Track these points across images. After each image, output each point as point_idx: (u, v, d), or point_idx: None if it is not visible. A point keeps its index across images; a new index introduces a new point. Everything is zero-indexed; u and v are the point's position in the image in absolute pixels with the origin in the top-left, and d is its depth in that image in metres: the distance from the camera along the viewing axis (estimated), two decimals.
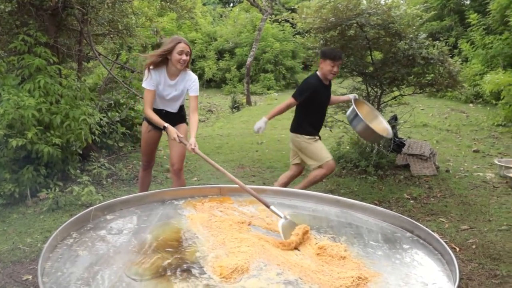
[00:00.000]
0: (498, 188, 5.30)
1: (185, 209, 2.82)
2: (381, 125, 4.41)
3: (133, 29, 6.79)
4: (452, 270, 2.03)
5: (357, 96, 4.52)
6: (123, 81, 6.40)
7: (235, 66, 16.63)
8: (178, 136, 3.62)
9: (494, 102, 9.70)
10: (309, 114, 4.33)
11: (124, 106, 6.57)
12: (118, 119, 6.30)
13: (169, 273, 1.99)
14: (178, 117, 3.98)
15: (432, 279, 2.01)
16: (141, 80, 6.82)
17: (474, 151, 6.93)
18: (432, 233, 2.40)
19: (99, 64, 7.62)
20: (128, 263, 2.07)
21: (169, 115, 3.88)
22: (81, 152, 5.31)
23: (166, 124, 3.71)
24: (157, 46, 8.45)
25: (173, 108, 3.95)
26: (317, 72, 4.31)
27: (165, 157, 6.42)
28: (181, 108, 4.03)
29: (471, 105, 10.67)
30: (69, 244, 2.25)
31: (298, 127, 4.39)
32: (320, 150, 4.30)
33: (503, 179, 5.59)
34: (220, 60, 16.99)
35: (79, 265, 2.04)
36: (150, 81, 3.75)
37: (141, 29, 7.43)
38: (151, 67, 3.75)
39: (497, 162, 5.86)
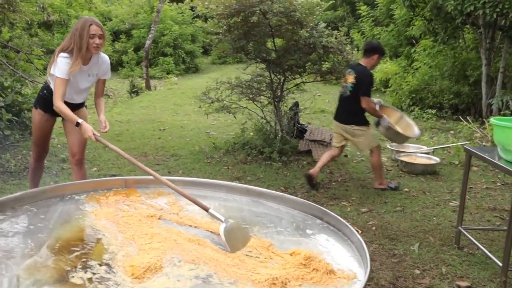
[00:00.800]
0: (391, 171, 5.70)
1: (88, 204, 2.58)
2: (408, 125, 5.12)
3: (16, 3, 6.10)
4: (362, 256, 2.09)
5: (382, 102, 5.07)
6: (7, 62, 5.75)
7: (132, 49, 15.92)
8: (94, 134, 3.28)
9: (383, 89, 10.43)
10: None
11: (10, 90, 5.91)
12: (2, 104, 5.65)
13: (74, 278, 1.79)
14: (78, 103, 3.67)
15: (345, 265, 2.04)
16: (28, 61, 6.23)
17: None
18: (341, 219, 2.46)
19: None
20: (25, 269, 1.83)
21: (74, 105, 3.55)
22: None
23: (80, 120, 3.35)
24: (44, 24, 7.76)
25: (82, 98, 3.66)
26: (363, 65, 4.72)
27: (59, 145, 5.93)
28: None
29: None
30: None
31: (357, 119, 4.81)
32: (372, 136, 4.96)
33: (395, 162, 6.03)
34: (116, 42, 16.16)
35: None
36: (64, 68, 3.33)
37: (25, 4, 6.71)
38: (62, 53, 3.36)
39: (389, 147, 6.29)
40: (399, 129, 4.94)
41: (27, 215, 2.38)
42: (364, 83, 4.66)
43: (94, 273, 1.82)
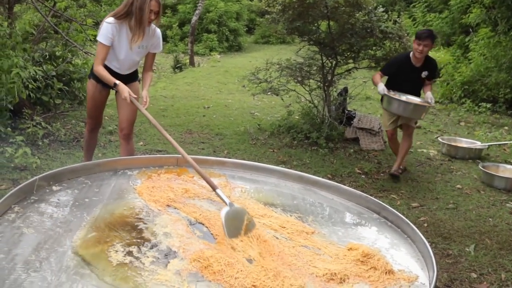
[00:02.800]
0: (442, 165, 5.48)
1: (140, 180, 2.57)
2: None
3: None
4: (426, 257, 1.96)
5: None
6: (63, 31, 5.82)
7: (177, 24, 15.95)
8: (130, 95, 3.30)
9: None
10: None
11: (61, 60, 5.98)
12: (54, 73, 5.72)
13: (126, 251, 1.79)
14: (131, 76, 3.65)
15: (405, 265, 1.94)
16: (82, 32, 6.25)
17: (417, 127, 7.14)
18: (402, 216, 2.34)
19: (29, 9, 6.86)
20: (81, 243, 1.83)
21: (122, 76, 3.52)
22: (12, 108, 4.78)
23: (117, 82, 3.35)
24: None
25: (131, 69, 3.61)
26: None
27: (106, 117, 5.97)
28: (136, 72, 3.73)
29: None
30: (11, 219, 1.95)
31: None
32: (386, 116, 4.93)
33: (445, 156, 5.80)
34: (162, 16, 16.27)
35: (24, 246, 1.76)
36: (107, 34, 3.33)
37: None
38: (109, 18, 3.34)
39: (440, 140, 6.06)
40: (399, 96, 4.66)
41: (82, 188, 2.39)
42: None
43: (144, 248, 1.82)
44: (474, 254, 3.44)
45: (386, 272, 1.86)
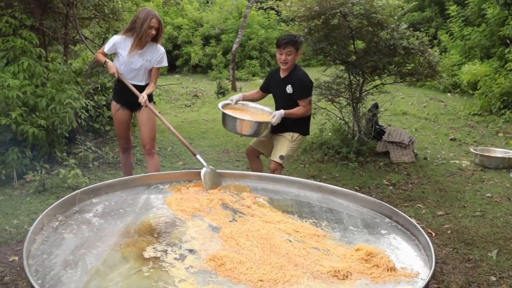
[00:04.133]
0: (473, 175, 5.51)
1: (170, 193, 2.88)
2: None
3: (119, 13, 6.79)
4: (428, 255, 2.13)
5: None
6: None
7: (221, 52, 16.60)
8: (117, 71, 3.90)
9: (471, 92, 9.96)
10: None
11: (111, 90, 6.58)
12: (104, 103, 6.33)
13: (154, 256, 2.06)
14: (142, 89, 4.08)
15: (409, 264, 2.11)
16: None
17: (451, 139, 7.15)
18: (410, 219, 2.51)
19: (86, 48, 7.59)
20: (113, 246, 2.13)
21: (136, 89, 3.99)
22: (67, 135, 5.36)
23: (107, 59, 3.98)
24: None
25: (140, 80, 4.07)
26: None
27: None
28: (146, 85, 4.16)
29: (449, 94, 10.92)
30: (55, 226, 2.31)
31: None
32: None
33: (478, 166, 5.82)
34: (206, 46, 16.93)
35: (64, 248, 2.09)
36: (110, 43, 4.01)
37: (127, 13, 7.41)
38: (119, 34, 4.03)
39: (472, 151, 6.08)
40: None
41: (117, 200, 2.73)
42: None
43: (172, 254, 2.09)
44: (496, 258, 3.48)
45: (388, 269, 2.04)
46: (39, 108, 4.82)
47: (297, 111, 3.91)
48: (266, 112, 3.94)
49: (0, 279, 3.12)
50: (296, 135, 4.02)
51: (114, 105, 4.14)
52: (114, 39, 3.99)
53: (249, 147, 4.30)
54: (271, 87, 4.13)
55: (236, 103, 3.98)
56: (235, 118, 3.66)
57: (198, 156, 3.21)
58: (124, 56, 3.95)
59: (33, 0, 5.41)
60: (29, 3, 5.37)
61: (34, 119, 4.74)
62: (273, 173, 3.88)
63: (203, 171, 3.00)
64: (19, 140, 4.75)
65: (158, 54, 4.02)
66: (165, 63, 4.12)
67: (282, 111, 3.79)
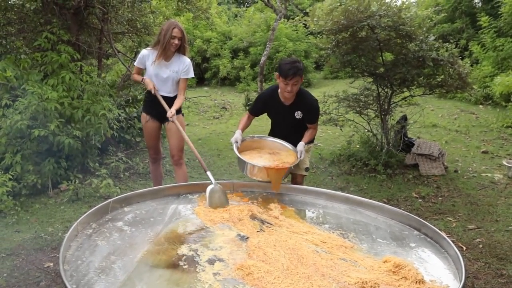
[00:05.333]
0: (506, 189, 5.39)
1: (199, 203, 2.95)
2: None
3: (151, 27, 6.99)
4: (458, 269, 2.13)
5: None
6: (141, 79, 6.59)
7: (249, 65, 16.76)
8: (154, 88, 4.01)
9: (504, 104, 9.73)
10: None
11: (141, 102, 6.76)
12: (135, 114, 6.51)
13: (183, 264, 2.13)
14: (170, 100, 4.16)
15: (438, 276, 2.11)
16: None
17: (483, 152, 7.00)
18: (439, 231, 2.49)
19: (118, 61, 7.83)
20: (143, 254, 2.21)
21: (165, 100, 4.08)
22: (100, 146, 5.52)
23: (144, 77, 4.09)
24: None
25: (168, 91, 4.15)
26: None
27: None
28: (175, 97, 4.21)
29: (481, 106, 10.68)
30: (89, 234, 2.41)
31: None
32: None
33: (511, 180, 5.68)
34: (235, 59, 17.13)
35: (97, 255, 2.19)
36: (139, 60, 4.15)
37: (158, 28, 7.60)
38: (147, 48, 4.15)
39: (505, 163, 5.94)
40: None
41: (148, 209, 2.82)
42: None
43: (200, 262, 2.15)
44: None
45: (416, 282, 2.04)
46: (75, 119, 5.00)
47: (312, 135, 3.77)
48: (287, 148, 3.58)
49: (36, 284, 3.24)
50: (309, 145, 3.84)
51: (144, 116, 4.26)
52: (142, 53, 4.12)
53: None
54: (271, 114, 3.85)
55: (242, 141, 3.51)
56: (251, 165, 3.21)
57: (208, 173, 3.24)
58: (151, 68, 4.07)
59: (70, 17, 5.63)
60: (67, 19, 5.59)
61: (70, 130, 4.92)
62: (301, 185, 3.80)
63: (210, 187, 2.99)
64: (54, 150, 4.93)
65: (184, 65, 4.10)
66: (191, 74, 4.18)
67: (303, 144, 3.54)
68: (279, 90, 3.58)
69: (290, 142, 3.59)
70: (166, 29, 3.94)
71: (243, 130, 3.70)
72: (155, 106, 4.10)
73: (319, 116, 5.81)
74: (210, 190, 2.93)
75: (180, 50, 4.08)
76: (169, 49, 3.98)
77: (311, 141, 3.81)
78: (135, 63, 4.21)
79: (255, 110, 3.86)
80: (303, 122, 3.69)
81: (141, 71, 4.23)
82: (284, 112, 3.67)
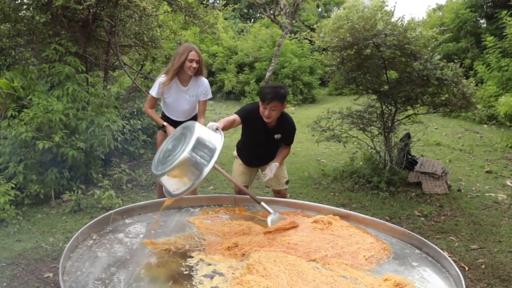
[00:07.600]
0: (510, 209, 5.35)
1: (200, 216, 2.94)
2: None
3: (158, 41, 7.07)
4: None
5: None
6: (146, 90, 6.64)
7: (254, 80, 16.86)
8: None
9: (508, 124, 9.72)
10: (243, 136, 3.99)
11: (146, 115, 6.80)
12: (139, 127, 6.54)
13: (182, 277, 2.12)
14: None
15: None
16: None
17: (487, 171, 6.98)
18: (441, 251, 2.46)
19: (124, 73, 7.90)
20: (144, 266, 2.20)
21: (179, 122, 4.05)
22: (103, 157, 5.54)
23: (165, 123, 3.96)
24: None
25: (185, 116, 4.10)
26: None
27: None
28: (195, 118, 4.15)
29: (485, 126, 10.67)
30: (89, 245, 2.40)
31: None
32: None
33: None
34: (240, 73, 17.25)
35: (97, 266, 2.17)
36: (154, 86, 3.98)
37: (165, 41, 7.69)
38: (162, 74, 3.97)
39: (509, 184, 5.92)
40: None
41: (150, 221, 2.81)
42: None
43: (200, 275, 2.13)
44: None
45: None
46: (79, 130, 5.04)
47: (285, 155, 3.77)
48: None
49: None
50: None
51: (162, 134, 4.17)
52: (159, 80, 3.92)
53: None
54: (251, 128, 3.72)
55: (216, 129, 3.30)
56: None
57: (263, 203, 3.12)
58: (170, 99, 4.00)
59: (78, 29, 5.71)
60: (75, 32, 5.67)
61: (74, 141, 4.95)
62: (285, 197, 3.87)
63: (269, 218, 2.87)
64: (58, 161, 4.95)
65: (203, 87, 4.05)
66: (210, 95, 4.13)
67: (277, 165, 3.59)
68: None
69: (263, 158, 3.79)
70: (181, 52, 3.87)
71: (224, 127, 3.31)
72: (173, 126, 3.99)
73: (324, 132, 5.90)
74: (270, 220, 2.85)
75: (198, 72, 3.99)
76: (185, 72, 3.91)
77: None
78: (152, 92, 3.96)
79: (242, 115, 3.54)
80: (280, 142, 3.72)
81: (156, 102, 4.09)
82: (264, 132, 3.62)
